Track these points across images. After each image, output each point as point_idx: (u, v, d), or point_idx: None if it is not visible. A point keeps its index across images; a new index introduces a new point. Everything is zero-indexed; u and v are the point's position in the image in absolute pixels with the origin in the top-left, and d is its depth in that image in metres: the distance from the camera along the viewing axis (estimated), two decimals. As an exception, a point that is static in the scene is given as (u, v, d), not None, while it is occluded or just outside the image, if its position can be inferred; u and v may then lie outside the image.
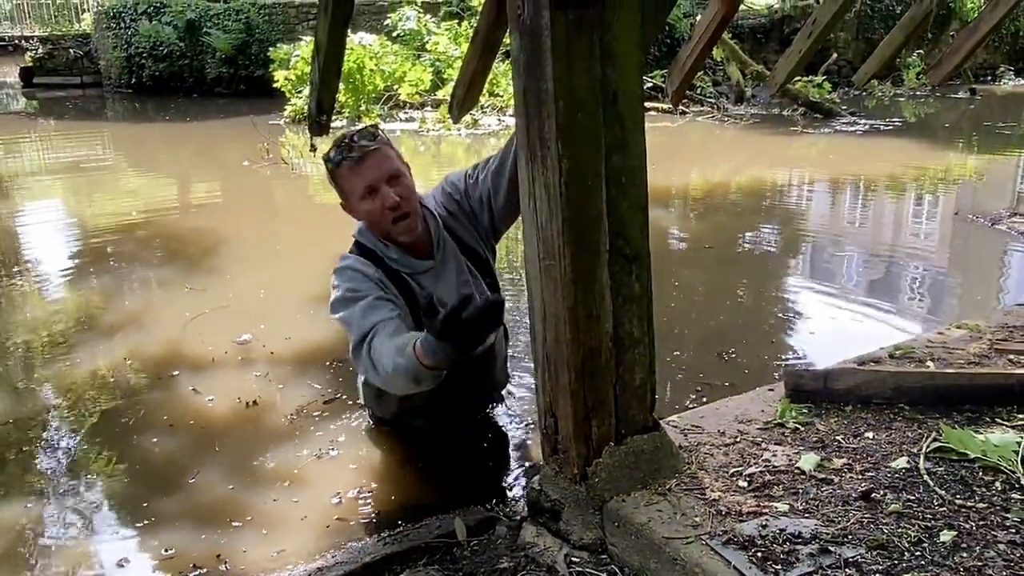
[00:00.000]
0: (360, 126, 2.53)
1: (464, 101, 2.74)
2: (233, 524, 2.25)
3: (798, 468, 1.92)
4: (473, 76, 2.65)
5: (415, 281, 2.44)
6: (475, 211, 2.55)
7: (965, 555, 1.58)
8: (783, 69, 3.22)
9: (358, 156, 2.30)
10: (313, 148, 3.31)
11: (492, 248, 2.63)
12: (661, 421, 2.03)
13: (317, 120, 2.76)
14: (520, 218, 1.92)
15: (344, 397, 2.96)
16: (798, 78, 11.70)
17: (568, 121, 1.71)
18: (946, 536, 1.64)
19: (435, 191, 2.58)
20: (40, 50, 17.36)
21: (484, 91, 11.15)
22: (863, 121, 10.82)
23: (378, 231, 2.41)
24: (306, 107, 3.46)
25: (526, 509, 2.06)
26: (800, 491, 1.82)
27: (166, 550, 2.15)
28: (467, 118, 10.12)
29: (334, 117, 11.68)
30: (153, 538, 2.21)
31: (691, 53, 2.98)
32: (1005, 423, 2.08)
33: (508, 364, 2.90)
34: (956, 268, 4.79)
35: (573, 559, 1.85)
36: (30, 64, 17.30)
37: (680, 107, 11.86)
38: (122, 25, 15.34)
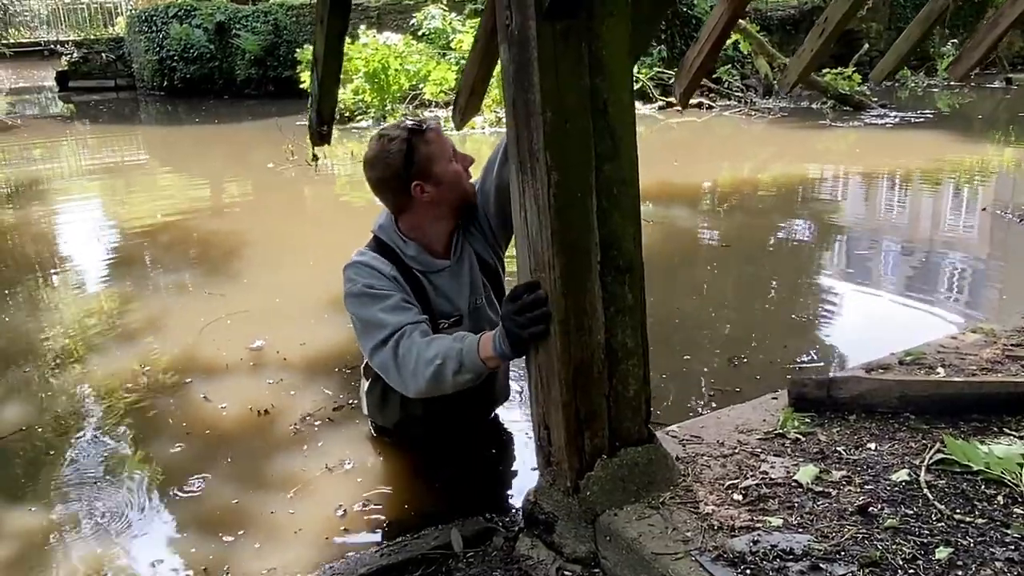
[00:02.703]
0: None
1: (466, 109, 2.73)
2: (225, 538, 2.24)
3: (795, 481, 1.88)
4: (474, 84, 2.64)
5: (428, 280, 2.45)
6: (479, 219, 2.55)
7: (960, 573, 1.54)
8: (795, 68, 3.17)
9: (434, 125, 2.40)
10: (315, 158, 3.33)
11: (500, 258, 2.63)
12: (661, 430, 2.01)
13: (318, 131, 2.78)
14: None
15: (352, 404, 2.97)
16: (827, 70, 11.54)
17: (556, 132, 1.69)
18: (942, 553, 1.60)
19: None
20: (75, 54, 17.71)
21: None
22: (893, 113, 10.62)
23: (455, 195, 2.40)
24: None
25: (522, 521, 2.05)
26: (796, 505, 1.79)
27: (155, 562, 2.17)
28: (491, 116, 10.12)
29: (360, 116, 11.72)
30: (145, 548, 2.23)
31: (698, 54, 2.95)
32: (1013, 433, 2.02)
33: (510, 376, 2.89)
34: (981, 267, 4.66)
35: (566, 572, 1.84)
36: (65, 68, 17.64)
37: (707, 101, 11.77)
38: (153, 28, 15.58)
